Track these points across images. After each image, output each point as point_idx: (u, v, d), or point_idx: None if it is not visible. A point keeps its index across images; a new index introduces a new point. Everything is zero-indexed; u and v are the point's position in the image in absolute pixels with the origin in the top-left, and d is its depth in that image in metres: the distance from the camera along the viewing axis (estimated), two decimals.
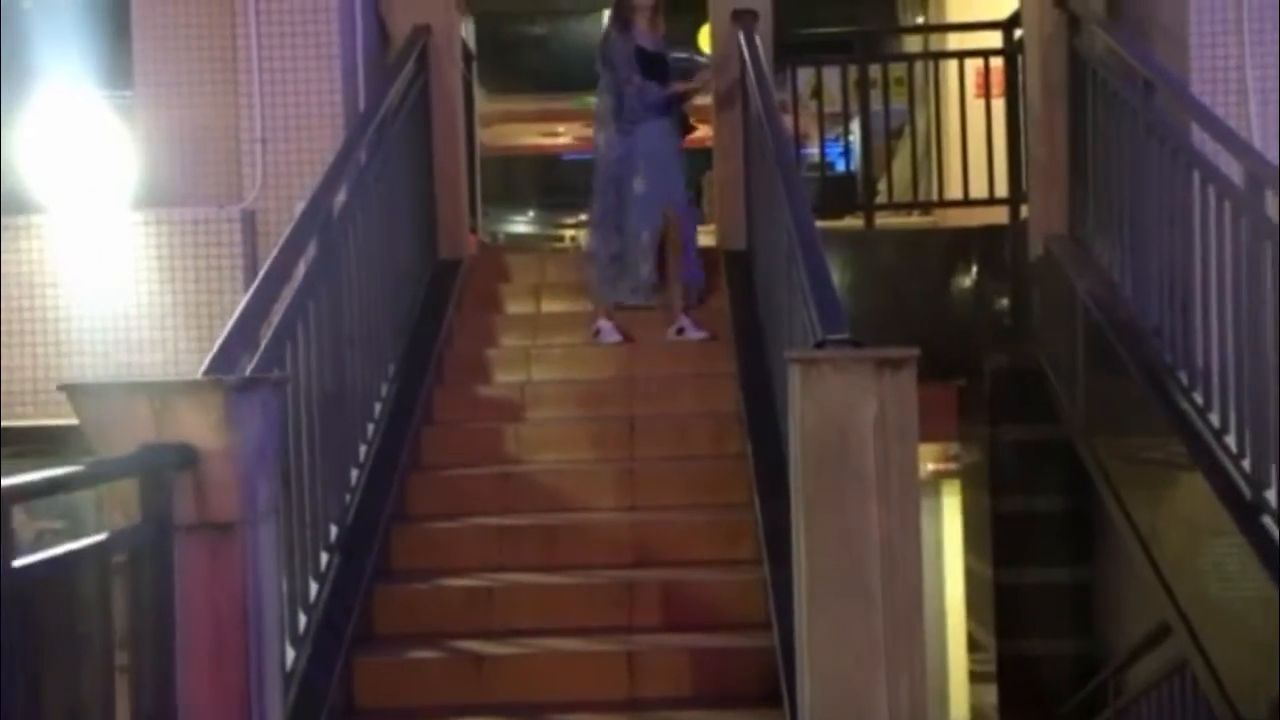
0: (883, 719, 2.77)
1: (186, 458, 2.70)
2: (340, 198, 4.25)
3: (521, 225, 17.79)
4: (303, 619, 3.53)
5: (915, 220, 7.50)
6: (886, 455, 2.76)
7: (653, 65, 5.38)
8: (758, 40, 5.46)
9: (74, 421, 4.88)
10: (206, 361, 3.02)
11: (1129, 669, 5.48)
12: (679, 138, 5.50)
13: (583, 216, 17.09)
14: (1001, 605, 6.59)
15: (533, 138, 16.13)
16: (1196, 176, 4.25)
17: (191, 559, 2.70)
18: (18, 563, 2.10)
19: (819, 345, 3.02)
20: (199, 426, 2.70)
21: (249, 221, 5.22)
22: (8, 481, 2.08)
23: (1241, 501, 3.90)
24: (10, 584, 2.04)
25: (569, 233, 17.18)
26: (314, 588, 3.66)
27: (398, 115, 5.10)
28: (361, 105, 5.33)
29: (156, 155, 5.32)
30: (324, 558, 3.79)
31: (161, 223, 5.22)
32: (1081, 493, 6.37)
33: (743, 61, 5.41)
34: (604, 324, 5.36)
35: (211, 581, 2.74)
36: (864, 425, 2.76)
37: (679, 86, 5.46)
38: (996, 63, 6.72)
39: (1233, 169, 4.12)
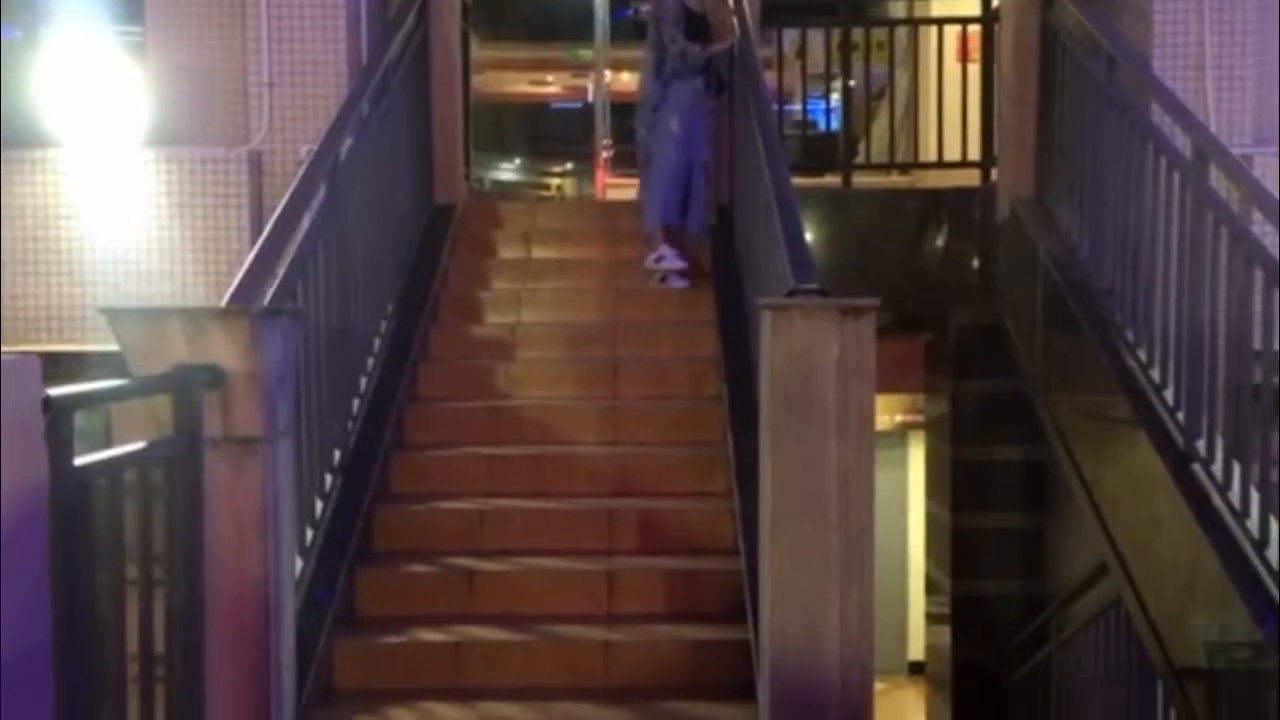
0: (834, 626, 3.10)
1: (216, 377, 2.98)
2: (346, 144, 4.49)
3: (508, 173, 17.92)
4: (309, 533, 3.83)
5: (892, 180, 7.76)
6: (846, 394, 3.06)
7: (697, 27, 5.59)
8: (745, 2, 5.69)
9: (84, 348, 5.16)
10: (230, 291, 3.29)
11: (1071, 606, 5.85)
12: (712, 97, 5.68)
13: (569, 165, 17.28)
14: (958, 548, 6.95)
15: (522, 86, 16.23)
16: (1150, 148, 4.53)
17: (218, 470, 2.99)
18: (78, 461, 2.39)
19: (790, 294, 3.31)
20: (227, 350, 2.98)
21: (255, 162, 5.44)
22: (66, 390, 2.37)
23: (1175, 450, 4.20)
24: (74, 480, 2.33)
25: (555, 181, 17.33)
26: (319, 506, 3.95)
27: (399, 65, 5.32)
28: (364, 52, 5.55)
29: (166, 94, 5.53)
30: (328, 479, 4.08)
31: (171, 160, 5.44)
32: (1037, 444, 6.70)
33: (730, 25, 5.64)
34: (665, 250, 5.56)
35: (235, 491, 3.03)
36: (827, 366, 3.06)
37: (716, 48, 5.66)
38: (974, 30, 6.96)
39: (1184, 142, 4.40)
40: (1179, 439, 4.22)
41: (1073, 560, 6.31)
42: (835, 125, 8.04)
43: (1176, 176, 4.34)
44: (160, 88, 5.55)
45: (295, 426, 3.63)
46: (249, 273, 3.41)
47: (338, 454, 4.21)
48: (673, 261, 5.57)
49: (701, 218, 5.67)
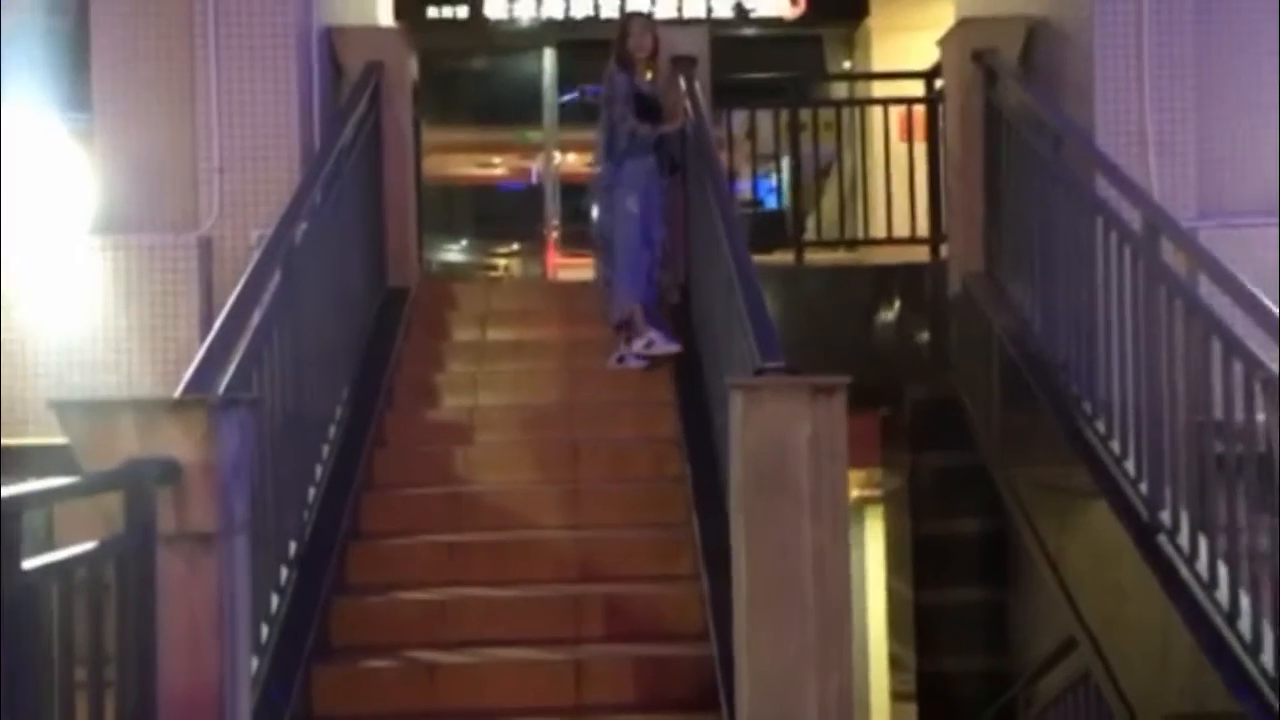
0: (813, 714, 3.02)
1: (170, 471, 2.88)
2: (300, 229, 4.44)
3: (455, 254, 17.87)
4: (265, 630, 3.70)
5: (841, 256, 7.83)
6: (819, 473, 3.03)
7: (648, 108, 5.63)
8: (697, 85, 5.76)
9: (25, 441, 4.99)
10: (185, 380, 3.20)
11: (1039, 681, 5.80)
12: (665, 177, 5.71)
13: (515, 246, 17.33)
14: (921, 625, 6.91)
15: (469, 168, 16.30)
16: (1100, 223, 4.61)
17: (172, 567, 2.87)
18: (26, 564, 2.27)
19: (758, 373, 3.29)
20: (182, 443, 2.88)
21: (205, 248, 5.36)
22: (14, 490, 2.26)
23: (1139, 521, 4.22)
24: (22, 584, 2.21)
25: (502, 262, 17.33)
26: (275, 600, 3.83)
27: (352, 150, 5.30)
28: (316, 136, 5.52)
29: (114, 181, 5.44)
30: (284, 572, 3.95)
31: (119, 248, 5.33)
32: (997, 516, 6.71)
33: (683, 105, 5.70)
34: (625, 350, 5.49)
35: (190, 589, 2.92)
36: (799, 446, 3.03)
37: (666, 128, 5.70)
38: (919, 110, 7.10)
39: (1133, 216, 4.48)
40: (1142, 510, 4.23)
41: (1038, 634, 6.28)
42: (780, 203, 8.13)
43: (1128, 250, 4.41)
44: (108, 174, 5.47)
45: (251, 518, 3.52)
46: (204, 361, 3.32)
47: (293, 545, 4.09)
48: (666, 344, 5.45)
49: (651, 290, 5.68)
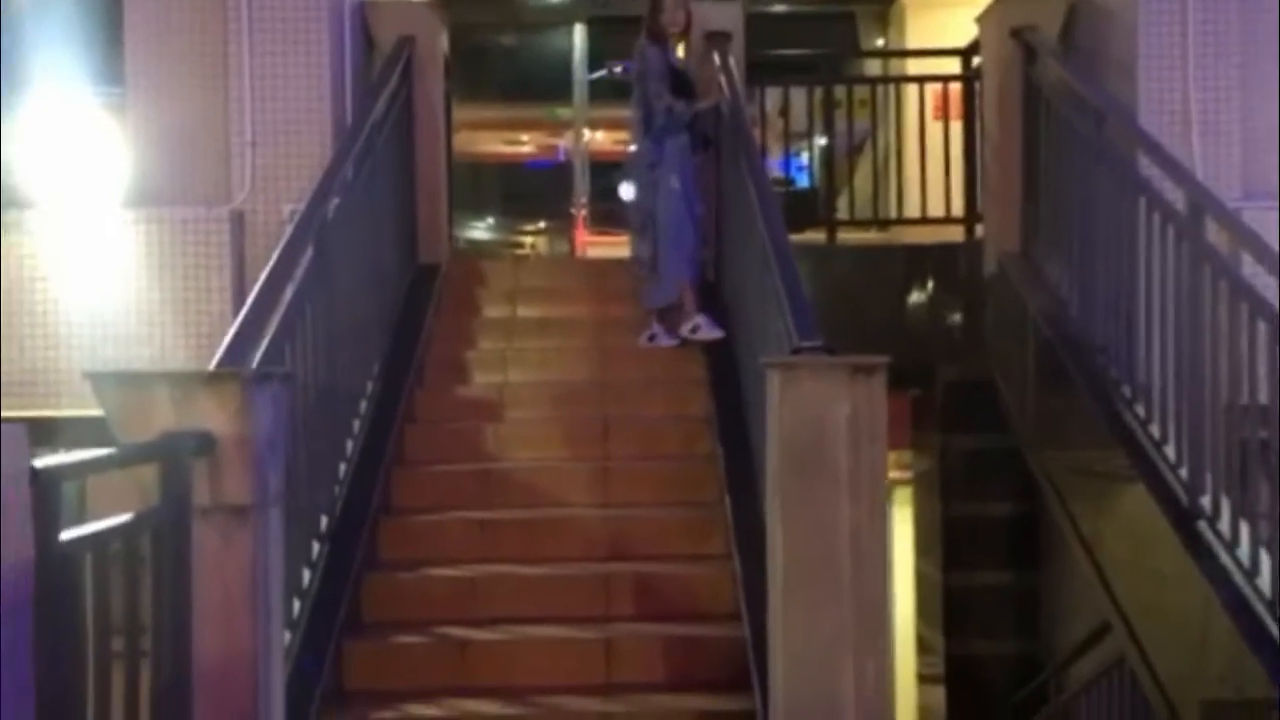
0: (849, 701, 2.99)
1: (205, 444, 2.87)
2: (333, 203, 4.42)
3: (481, 231, 17.88)
4: (296, 604, 3.70)
5: (873, 236, 7.75)
6: (857, 454, 2.99)
7: (681, 84, 5.56)
8: (731, 61, 5.69)
9: (60, 413, 5.01)
10: (219, 354, 3.19)
11: (1070, 667, 5.75)
12: (698, 154, 5.63)
13: (542, 224, 17.32)
14: (950, 608, 6.86)
15: (496, 145, 16.25)
16: (1142, 203, 4.52)
17: (207, 539, 2.87)
18: (64, 535, 2.27)
19: (795, 352, 3.24)
20: (217, 416, 2.87)
21: (237, 222, 5.35)
22: (54, 461, 2.26)
23: (1178, 507, 4.14)
24: (60, 556, 2.20)
25: (528, 239, 17.31)
26: (306, 575, 3.82)
27: (384, 125, 5.27)
28: (349, 111, 5.49)
29: (147, 154, 5.44)
30: (315, 547, 3.95)
31: (151, 221, 5.34)
32: (1028, 500, 6.65)
33: (717, 81, 5.64)
34: (657, 329, 5.46)
35: (224, 561, 2.91)
36: (837, 426, 2.99)
37: (702, 105, 5.61)
38: (954, 88, 7.01)
39: (1175, 196, 4.39)
40: (1182, 496, 4.16)
41: (1070, 619, 6.23)
42: (812, 182, 8.05)
43: (1171, 231, 4.32)
44: (141, 147, 5.47)
45: (284, 492, 3.52)
46: (237, 335, 3.31)
47: (324, 520, 4.08)
48: (711, 330, 5.38)
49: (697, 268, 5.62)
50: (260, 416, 2.95)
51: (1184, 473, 4.17)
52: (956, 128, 6.85)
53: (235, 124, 5.35)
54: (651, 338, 5.57)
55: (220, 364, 3.16)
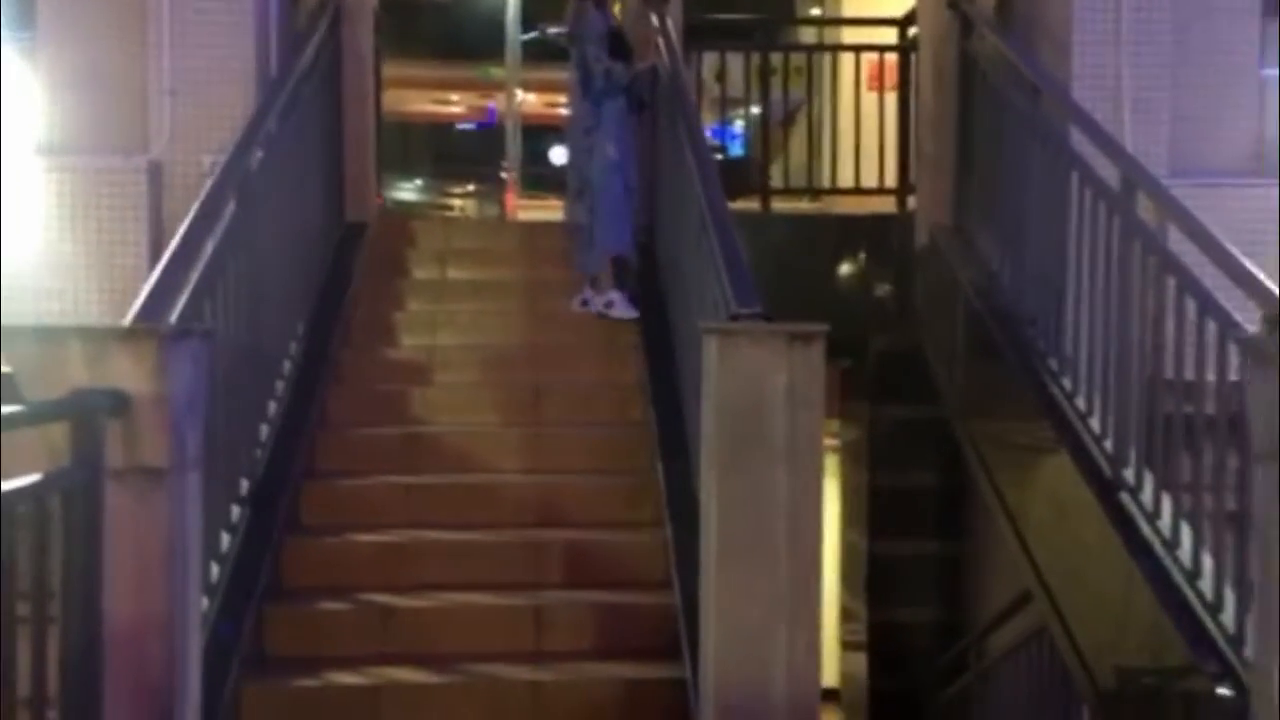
0: (780, 672, 2.97)
1: (119, 403, 2.74)
2: (256, 156, 4.27)
3: (409, 193, 17.63)
4: (215, 569, 3.59)
5: (806, 205, 7.75)
6: (794, 423, 2.96)
7: (620, 46, 5.46)
8: (669, 22, 5.61)
9: None
10: (135, 309, 3.05)
11: (991, 635, 5.83)
12: (633, 117, 5.56)
13: (470, 187, 17.09)
14: (874, 576, 6.93)
15: (425, 104, 15.96)
16: (1075, 177, 4.54)
17: (120, 502, 2.74)
18: None
19: (733, 318, 3.20)
20: (132, 373, 2.74)
21: (155, 173, 5.15)
22: None
23: (1101, 478, 4.20)
24: None
25: (457, 202, 17.08)
26: (225, 539, 3.71)
27: (311, 76, 5.11)
28: (273, 60, 5.30)
29: (60, 100, 5.20)
30: (235, 511, 3.83)
31: (64, 170, 5.11)
32: (954, 470, 6.72)
33: (654, 44, 5.55)
34: (589, 293, 5.37)
35: (139, 525, 2.79)
36: (775, 394, 2.95)
37: (640, 67, 5.51)
38: (889, 59, 7.00)
39: (1108, 172, 4.42)
40: (1106, 468, 4.22)
41: (992, 588, 6.31)
42: (745, 150, 8.02)
43: (1103, 206, 4.35)
44: (53, 93, 5.22)
45: (203, 454, 3.40)
46: (154, 290, 3.17)
47: (245, 483, 3.96)
48: (625, 310, 5.37)
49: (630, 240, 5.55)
50: (178, 375, 2.83)
51: (1108, 445, 4.22)
52: (891, 99, 6.85)
53: (153, 71, 5.13)
54: (584, 302, 5.50)
55: (136, 319, 3.02)
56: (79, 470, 2.65)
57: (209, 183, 3.86)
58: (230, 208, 3.88)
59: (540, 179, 12.30)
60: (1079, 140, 4.75)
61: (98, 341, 2.75)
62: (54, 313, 4.96)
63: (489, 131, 15.27)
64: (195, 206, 3.67)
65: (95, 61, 5.18)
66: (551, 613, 3.87)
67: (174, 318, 3.27)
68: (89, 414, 2.68)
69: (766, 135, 7.08)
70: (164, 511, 2.81)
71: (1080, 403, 4.46)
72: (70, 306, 4.98)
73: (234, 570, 3.68)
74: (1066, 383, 4.58)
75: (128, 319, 3.03)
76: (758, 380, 2.96)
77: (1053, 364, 4.69)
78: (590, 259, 5.43)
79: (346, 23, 5.72)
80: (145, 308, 3.08)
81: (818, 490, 3.00)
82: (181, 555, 2.88)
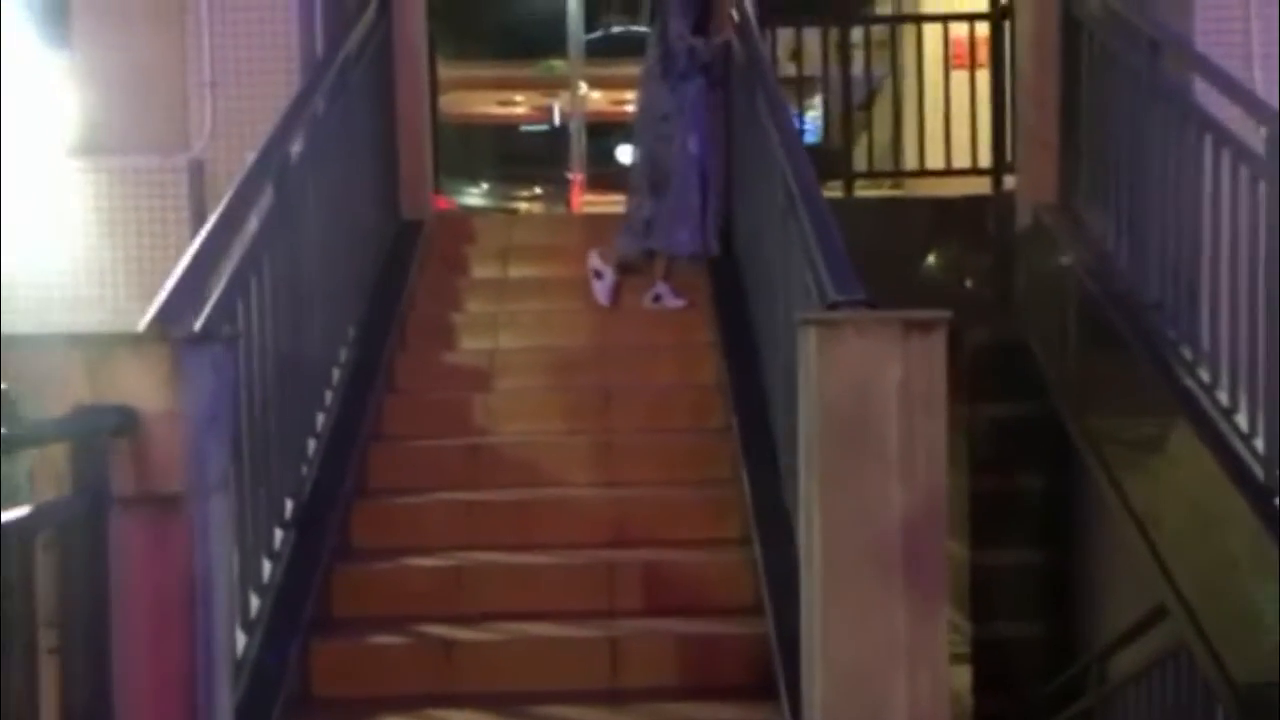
0: (901, 715, 2.52)
1: (126, 421, 2.38)
2: (297, 146, 3.92)
3: (475, 198, 17.47)
4: (255, 601, 3.24)
5: (888, 190, 7.30)
6: (911, 428, 2.50)
7: (701, 21, 5.10)
8: None
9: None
10: (149, 314, 2.69)
11: (1114, 654, 5.31)
12: (713, 94, 5.19)
13: (536, 190, 16.83)
14: (977, 587, 6.42)
15: (488, 106, 15.75)
16: (1209, 141, 4.05)
17: (130, 536, 2.39)
18: None
19: (832, 307, 2.75)
20: (141, 386, 2.39)
21: (196, 172, 4.86)
22: None
23: (1254, 483, 3.72)
24: None
25: (523, 205, 16.87)
26: (267, 567, 3.36)
27: (359, 62, 4.76)
28: (319, 49, 4.98)
29: (96, 97, 4.93)
30: (278, 535, 3.49)
31: (101, 171, 4.84)
32: (1061, 473, 6.22)
33: (728, 15, 5.13)
34: (663, 288, 5.09)
35: (153, 561, 2.43)
36: (887, 394, 2.50)
37: (719, 39, 5.13)
38: (979, 32, 6.51)
39: (1247, 136, 3.92)
40: (1258, 470, 3.72)
41: (1109, 602, 5.79)
42: (816, 139, 7.59)
43: (1244, 172, 3.84)
44: (90, 91, 4.95)
45: (237, 475, 3.04)
46: (175, 290, 2.81)
47: (290, 504, 3.60)
48: (673, 300, 5.09)
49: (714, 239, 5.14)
50: (195, 386, 2.46)
51: (1259, 444, 3.73)
52: (980, 74, 6.37)
53: (193, 63, 4.85)
54: (657, 298, 5.10)
55: (151, 324, 2.66)
56: (79, 500, 2.29)
57: (242, 171, 3.50)
58: (267, 198, 3.53)
59: (606, 179, 11.96)
60: (1210, 101, 4.26)
61: (100, 350, 2.39)
62: (93, 323, 4.67)
63: (553, 132, 15.02)
64: (226, 197, 3.32)
65: (132, 54, 4.91)
66: (629, 645, 3.45)
67: (201, 321, 2.92)
68: (91, 435, 2.32)
69: (849, 115, 6.60)
70: (182, 545, 2.45)
71: (1223, 397, 3.97)
72: (109, 316, 4.69)
73: (277, 601, 3.33)
74: (1204, 374, 4.09)
75: (142, 323, 2.67)
76: (866, 377, 2.51)
77: (1186, 353, 4.20)
78: (630, 241, 5.09)
79: (397, 7, 5.37)
80: (163, 310, 2.73)
81: (940, 506, 2.54)
82: (205, 595, 2.51)
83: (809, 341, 2.59)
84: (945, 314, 2.54)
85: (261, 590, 3.29)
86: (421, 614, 3.59)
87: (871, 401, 2.52)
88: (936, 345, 2.51)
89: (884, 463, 2.51)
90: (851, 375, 2.53)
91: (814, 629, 2.62)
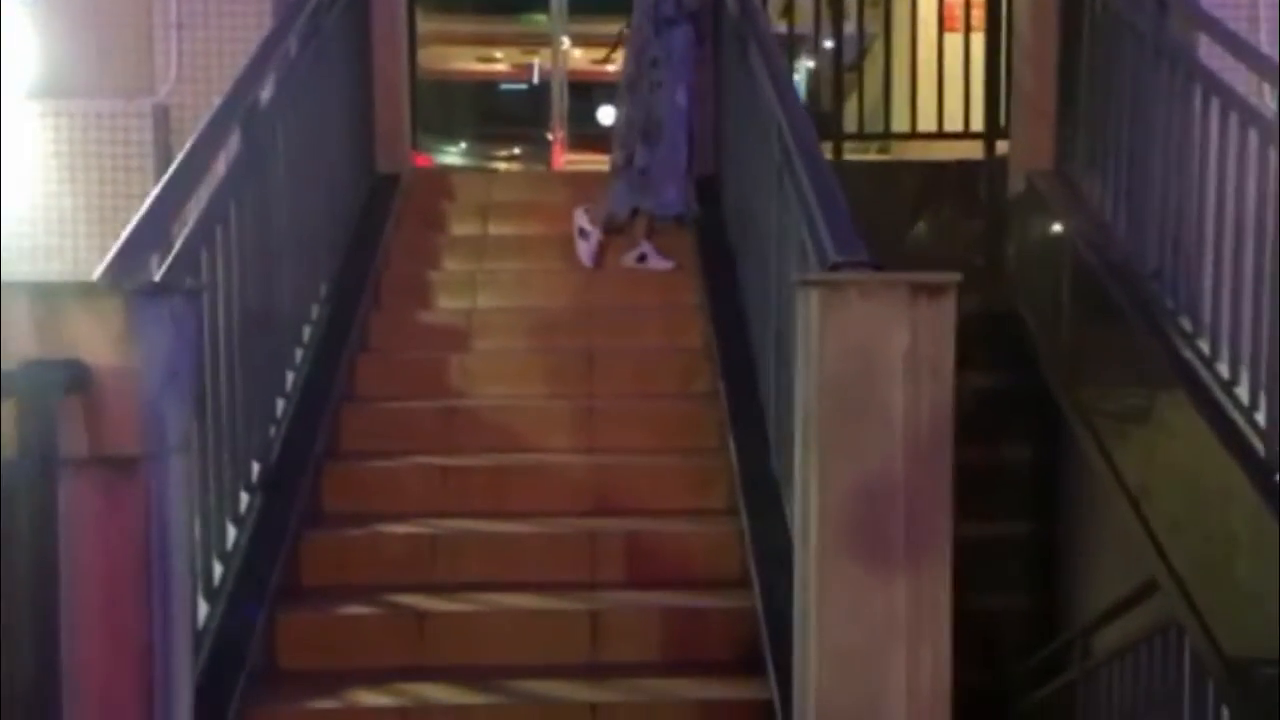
0: (899, 698, 2.40)
1: (77, 378, 2.21)
2: (267, 91, 3.72)
3: (453, 156, 17.21)
4: (218, 569, 3.08)
5: (876, 154, 7.15)
6: (918, 396, 2.37)
7: None
8: None
9: None
10: (104, 264, 2.51)
11: (1101, 629, 5.23)
12: (698, 49, 5.02)
13: (515, 150, 16.61)
14: (959, 558, 6.32)
15: (467, 63, 15.47)
16: (1216, 104, 3.91)
17: (81, 500, 2.23)
18: None
19: (834, 268, 2.60)
20: (93, 340, 2.22)
21: (161, 117, 4.68)
22: None
23: (1255, 458, 3.61)
24: None
25: (502, 165, 16.63)
26: (232, 533, 3.20)
27: (334, 5, 4.54)
28: None
29: (57, 39, 4.72)
30: (244, 498, 3.33)
31: (62, 115, 4.65)
32: (1048, 445, 6.12)
33: None
34: (647, 247, 4.93)
35: (106, 527, 2.28)
36: (892, 360, 2.37)
37: None
38: None
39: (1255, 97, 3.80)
40: (1259, 445, 3.61)
41: (1095, 576, 5.70)
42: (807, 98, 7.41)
43: (1254, 136, 3.71)
44: (49, 31, 4.72)
45: (200, 435, 2.88)
46: (132, 239, 2.63)
47: (256, 467, 3.44)
48: (659, 261, 4.93)
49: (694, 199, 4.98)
50: (152, 341, 2.29)
51: (1260, 418, 3.62)
52: (974, 39, 6.21)
53: (158, 2, 4.62)
54: (642, 258, 4.94)
55: (106, 274, 2.48)
56: (25, 462, 2.12)
57: (207, 114, 3.31)
58: (235, 144, 3.34)
59: (587, 140, 11.74)
60: (1218, 64, 4.12)
61: (49, 301, 2.22)
62: (54, 273, 4.49)
63: (533, 91, 14.76)
64: (190, 141, 3.13)
65: None
66: (611, 618, 3.32)
67: (161, 272, 2.74)
68: (37, 392, 2.15)
69: (840, 75, 6.43)
70: (138, 510, 2.29)
71: (1223, 369, 3.86)
72: (69, 266, 4.49)
73: (241, 569, 3.17)
74: (1204, 346, 3.97)
75: (97, 273, 2.49)
76: (871, 343, 2.37)
77: (1185, 324, 4.08)
78: (622, 197, 4.91)
79: None
80: (119, 260, 2.55)
81: (946, 479, 2.42)
82: (162, 562, 2.35)
83: (809, 304, 2.44)
84: (955, 276, 2.40)
85: (225, 557, 3.13)
86: (394, 583, 3.45)
87: (875, 368, 2.38)
88: (946, 310, 2.38)
89: (888, 433, 2.38)
90: (854, 340, 2.39)
91: (809, 606, 2.49)
